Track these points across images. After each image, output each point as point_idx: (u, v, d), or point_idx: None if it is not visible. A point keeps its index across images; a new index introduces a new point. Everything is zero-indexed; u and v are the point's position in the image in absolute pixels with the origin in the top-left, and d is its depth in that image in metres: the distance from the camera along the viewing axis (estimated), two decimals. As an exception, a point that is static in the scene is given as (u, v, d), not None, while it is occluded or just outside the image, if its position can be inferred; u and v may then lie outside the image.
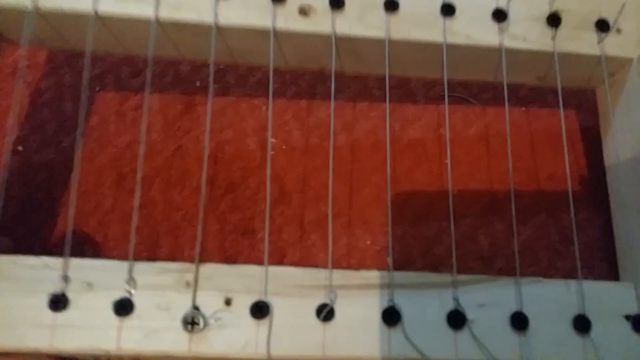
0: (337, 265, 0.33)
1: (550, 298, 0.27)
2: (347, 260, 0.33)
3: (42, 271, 0.25)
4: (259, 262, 0.29)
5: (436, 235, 0.33)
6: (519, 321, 0.26)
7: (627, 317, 0.27)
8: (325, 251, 0.33)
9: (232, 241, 0.33)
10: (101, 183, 0.33)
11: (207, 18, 0.30)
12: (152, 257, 0.31)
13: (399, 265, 0.33)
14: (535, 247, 0.31)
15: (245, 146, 0.34)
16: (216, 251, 0.33)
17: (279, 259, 0.33)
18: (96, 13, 0.29)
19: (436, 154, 0.35)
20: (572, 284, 0.27)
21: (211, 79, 0.29)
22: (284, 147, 0.35)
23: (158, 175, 0.34)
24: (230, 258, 0.32)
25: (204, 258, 0.31)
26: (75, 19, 0.29)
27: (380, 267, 0.32)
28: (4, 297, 0.24)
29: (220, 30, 0.30)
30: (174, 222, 0.33)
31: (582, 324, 0.26)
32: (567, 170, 0.29)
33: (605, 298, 0.27)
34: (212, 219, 0.33)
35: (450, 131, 0.35)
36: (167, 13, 0.29)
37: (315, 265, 0.30)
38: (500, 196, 0.34)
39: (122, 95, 0.35)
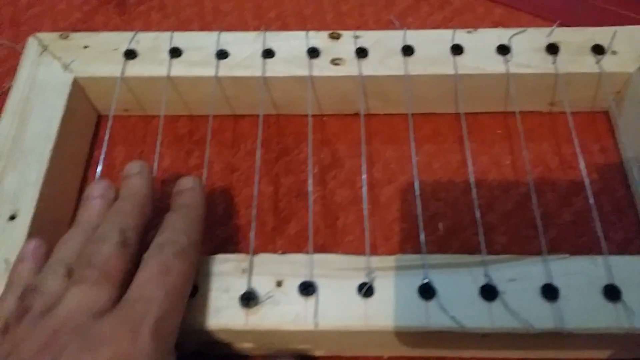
0: (389, 229, 0.35)
1: (578, 272, 0.29)
2: (399, 225, 0.35)
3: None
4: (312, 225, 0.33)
5: (488, 203, 0.35)
6: (550, 291, 0.28)
7: (660, 285, 0.28)
8: (376, 215, 0.36)
9: (286, 203, 0.36)
10: (138, 140, 0.39)
11: (256, 73, 0.36)
12: (209, 216, 0.34)
13: (451, 232, 0.35)
14: (588, 218, 0.32)
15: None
16: (271, 212, 0.36)
17: (332, 221, 0.35)
18: (169, 76, 0.36)
19: (489, 125, 0.38)
20: (599, 258, 0.29)
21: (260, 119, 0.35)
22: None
23: (213, 137, 0.38)
24: (284, 219, 0.35)
25: (259, 218, 0.35)
26: (152, 84, 0.37)
27: (431, 232, 0.35)
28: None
29: (267, 81, 0.36)
30: (230, 183, 0.37)
31: (612, 293, 0.28)
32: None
33: (634, 270, 0.29)
34: (267, 181, 0.37)
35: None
36: (225, 72, 0.36)
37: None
38: (553, 166, 0.37)
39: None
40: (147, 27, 0.45)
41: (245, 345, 0.30)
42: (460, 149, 0.38)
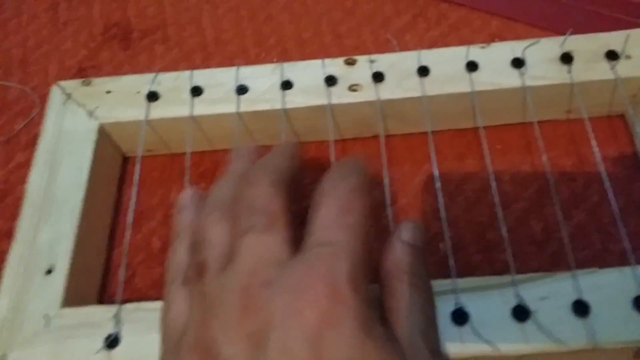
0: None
1: (607, 284, 0.29)
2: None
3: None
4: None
5: (489, 220, 0.36)
6: (581, 307, 0.29)
7: (689, 294, 0.29)
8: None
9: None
10: (165, 178, 0.40)
11: (277, 105, 0.37)
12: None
13: (453, 251, 0.34)
14: (588, 230, 0.32)
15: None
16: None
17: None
18: (192, 116, 0.37)
19: (487, 140, 0.38)
20: (626, 269, 0.30)
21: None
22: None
23: (217, 168, 0.39)
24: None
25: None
26: (176, 124, 0.38)
27: (432, 253, 0.35)
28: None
29: (287, 113, 0.37)
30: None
31: (642, 304, 0.28)
32: None
33: (662, 280, 0.29)
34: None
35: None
36: (246, 107, 0.37)
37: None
38: (553, 180, 0.36)
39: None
40: (151, 60, 0.46)
41: None
42: (456, 168, 0.38)
